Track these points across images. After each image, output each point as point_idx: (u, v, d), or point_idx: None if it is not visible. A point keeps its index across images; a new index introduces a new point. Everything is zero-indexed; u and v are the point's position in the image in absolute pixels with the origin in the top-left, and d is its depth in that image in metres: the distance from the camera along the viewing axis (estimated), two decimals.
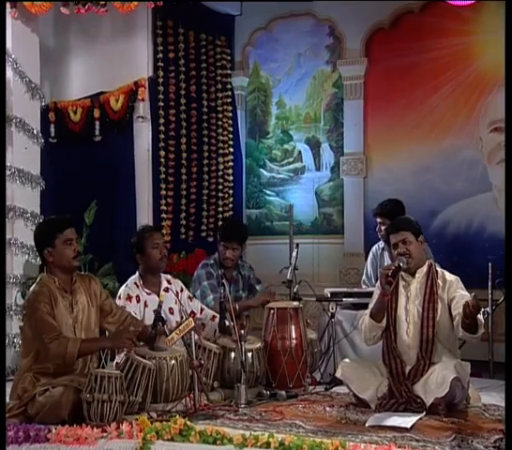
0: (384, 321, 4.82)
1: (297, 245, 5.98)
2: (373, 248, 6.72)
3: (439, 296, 4.76)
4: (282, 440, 3.70)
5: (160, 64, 7.54)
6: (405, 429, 4.12)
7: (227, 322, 5.21)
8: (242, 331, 4.96)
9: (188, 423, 3.92)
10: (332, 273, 7.77)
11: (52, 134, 7.82)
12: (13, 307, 6.42)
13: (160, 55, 7.54)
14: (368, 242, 7.52)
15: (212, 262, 6.04)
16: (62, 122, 7.88)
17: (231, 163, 8.19)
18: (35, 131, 6.85)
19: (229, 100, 8.22)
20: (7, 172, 6.49)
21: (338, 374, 4.86)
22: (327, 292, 6.08)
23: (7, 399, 4.53)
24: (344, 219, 7.89)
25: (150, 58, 7.52)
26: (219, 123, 8.13)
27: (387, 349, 4.80)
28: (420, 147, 7.51)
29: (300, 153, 8.23)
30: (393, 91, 7.69)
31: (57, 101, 7.89)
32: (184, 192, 7.70)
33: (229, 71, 8.28)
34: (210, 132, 8.02)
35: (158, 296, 5.28)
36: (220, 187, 8.09)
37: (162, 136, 7.49)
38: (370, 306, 4.91)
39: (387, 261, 6.54)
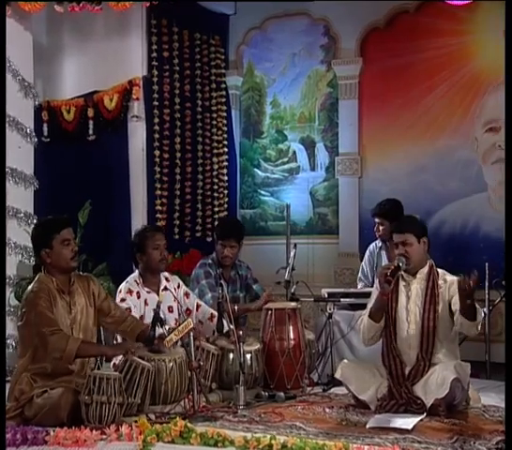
0: (383, 321, 4.80)
1: (295, 245, 5.95)
2: (371, 247, 6.69)
3: (440, 297, 4.74)
4: (285, 442, 3.67)
5: (155, 63, 7.50)
6: (406, 431, 4.10)
7: (225, 323, 5.16)
8: (240, 332, 4.92)
9: (189, 425, 3.89)
10: (327, 273, 7.74)
11: (46, 133, 7.76)
12: (6, 308, 6.36)
13: (155, 54, 7.50)
14: (364, 242, 7.48)
15: (210, 261, 6.01)
16: (55, 121, 7.82)
17: (225, 163, 8.15)
18: (28, 130, 6.80)
19: (223, 100, 8.18)
20: None
21: (337, 375, 4.84)
22: (325, 292, 6.05)
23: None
24: (339, 220, 7.86)
25: (144, 57, 7.48)
26: (214, 122, 8.09)
27: (387, 349, 4.78)
28: (415, 147, 7.48)
29: (295, 153, 8.19)
30: (388, 91, 7.66)
31: (50, 100, 7.84)
32: (178, 192, 7.66)
33: (223, 71, 8.23)
34: (204, 132, 7.98)
35: (158, 295, 5.27)
36: (215, 187, 8.05)
37: (157, 135, 7.45)
38: (369, 306, 4.88)
39: (385, 260, 6.53)
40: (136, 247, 5.47)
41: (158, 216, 7.40)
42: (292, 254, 5.85)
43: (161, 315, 4.82)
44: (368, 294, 5.74)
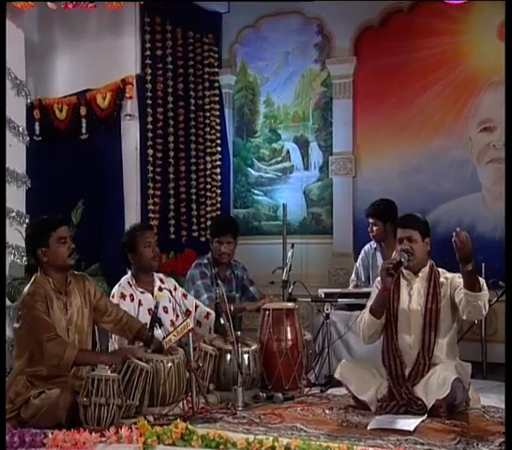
0: (384, 317, 4.77)
1: (293, 245, 5.91)
2: (365, 247, 6.67)
3: (442, 295, 4.72)
4: (288, 444, 3.64)
5: (148, 61, 7.42)
6: (408, 432, 4.08)
7: (222, 322, 5.12)
8: (238, 333, 4.88)
9: (190, 427, 3.84)
10: (321, 273, 7.69)
11: (37, 132, 7.68)
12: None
13: (148, 52, 7.42)
14: (358, 242, 7.46)
15: (205, 261, 5.97)
16: (47, 120, 7.73)
17: (218, 162, 8.08)
18: (20, 129, 6.71)
19: (216, 99, 8.11)
20: None
21: (336, 375, 4.82)
22: (321, 292, 6.03)
23: None
24: (333, 219, 7.80)
25: (138, 55, 7.40)
26: (207, 121, 8.02)
27: (387, 349, 4.75)
28: (409, 147, 7.44)
29: (288, 152, 8.14)
30: (382, 90, 7.61)
31: (42, 98, 7.75)
32: (172, 191, 7.60)
33: (216, 69, 8.17)
34: (197, 131, 7.92)
35: (152, 295, 5.24)
36: (208, 186, 7.99)
37: (150, 134, 7.39)
38: (369, 303, 4.85)
39: (379, 261, 6.51)
40: (127, 246, 5.43)
41: (151, 215, 7.33)
42: (289, 254, 5.81)
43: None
44: (365, 295, 5.72)
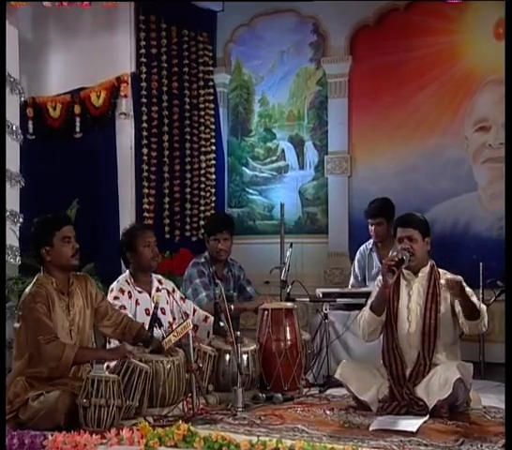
0: (384, 315, 4.74)
1: (291, 244, 5.88)
2: (361, 249, 6.64)
3: (441, 296, 4.69)
4: (292, 446, 3.60)
5: (143, 59, 7.37)
6: (411, 433, 4.05)
7: (222, 324, 5.08)
8: (238, 333, 4.85)
9: (192, 428, 3.80)
10: (316, 273, 7.65)
11: (31, 130, 7.61)
12: None
13: (143, 51, 7.37)
14: (353, 242, 7.44)
15: (203, 260, 5.94)
16: (40, 118, 7.67)
17: (213, 161, 8.02)
18: (14, 127, 6.63)
19: (211, 98, 8.06)
20: None
21: (337, 375, 4.79)
22: (319, 292, 6.00)
23: None
24: (328, 219, 7.77)
25: (133, 53, 7.34)
26: (201, 120, 7.97)
27: (388, 348, 4.72)
28: (405, 146, 7.42)
29: (283, 151, 8.09)
30: (378, 89, 7.59)
31: (36, 97, 7.68)
32: (166, 191, 7.55)
33: (211, 68, 8.12)
34: (192, 130, 7.86)
35: (150, 295, 5.20)
36: (202, 185, 7.94)
37: (145, 133, 7.33)
38: (370, 300, 4.82)
39: (376, 261, 6.50)
40: (126, 245, 5.39)
41: (146, 215, 7.28)
42: (288, 253, 5.78)
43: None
44: (363, 294, 5.72)
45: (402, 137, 7.46)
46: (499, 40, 6.94)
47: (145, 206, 7.29)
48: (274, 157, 8.16)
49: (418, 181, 7.36)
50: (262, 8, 8.10)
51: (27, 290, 4.49)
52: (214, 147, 8.06)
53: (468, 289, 4.74)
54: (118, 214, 7.22)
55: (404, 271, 4.80)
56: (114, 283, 5.30)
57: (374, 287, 4.99)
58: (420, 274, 4.80)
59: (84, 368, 4.53)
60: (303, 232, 7.79)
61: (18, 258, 6.40)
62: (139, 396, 4.31)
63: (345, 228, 7.66)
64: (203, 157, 7.96)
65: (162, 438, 3.75)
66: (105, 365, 4.95)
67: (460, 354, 4.94)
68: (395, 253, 6.13)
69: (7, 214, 6.48)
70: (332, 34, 7.79)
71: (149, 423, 4.13)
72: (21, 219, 6.48)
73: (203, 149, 7.97)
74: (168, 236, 7.51)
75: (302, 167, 8.01)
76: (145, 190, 7.32)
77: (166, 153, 7.56)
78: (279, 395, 4.99)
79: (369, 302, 4.84)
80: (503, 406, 4.47)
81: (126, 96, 7.25)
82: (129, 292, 5.22)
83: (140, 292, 5.26)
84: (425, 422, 4.24)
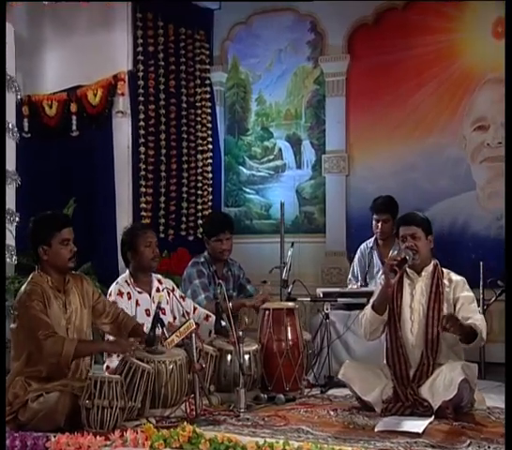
0: (386, 314, 4.71)
1: (292, 244, 5.84)
2: (361, 247, 6.61)
3: (444, 296, 4.67)
4: (299, 447, 3.56)
5: (140, 57, 7.33)
6: (416, 434, 4.01)
7: (224, 323, 5.04)
8: (240, 333, 4.80)
9: (198, 430, 3.75)
10: (314, 272, 7.63)
11: (26, 129, 7.55)
12: None
13: (140, 49, 7.33)
14: (351, 241, 7.42)
15: (202, 260, 5.89)
16: (36, 116, 7.62)
17: (210, 160, 7.97)
18: (10, 125, 6.57)
19: (207, 96, 8.01)
20: None
21: (340, 375, 4.75)
22: (320, 291, 5.96)
23: None
24: (326, 218, 7.74)
25: (130, 51, 7.30)
26: (198, 119, 7.92)
27: (391, 348, 4.69)
28: (403, 145, 7.40)
29: (281, 150, 8.06)
30: (376, 88, 7.56)
31: (32, 95, 7.63)
32: (163, 190, 7.50)
33: (207, 66, 8.07)
34: (189, 128, 7.81)
35: (150, 295, 5.16)
36: (199, 184, 7.89)
37: (142, 132, 7.29)
38: (372, 299, 4.79)
39: (376, 260, 6.48)
40: (127, 245, 5.33)
41: (143, 214, 7.23)
42: (289, 253, 5.74)
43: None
44: (364, 294, 5.69)
45: (401, 136, 7.44)
46: (497, 39, 6.93)
47: (142, 205, 7.25)
48: (271, 156, 8.12)
49: (417, 180, 7.34)
50: (259, 7, 8.06)
51: (22, 288, 4.42)
52: (211, 146, 8.02)
53: (469, 293, 4.73)
54: (115, 213, 7.18)
55: (408, 270, 4.77)
56: (113, 285, 5.23)
57: (377, 285, 4.95)
58: (423, 273, 4.77)
59: (84, 369, 4.49)
60: (300, 232, 7.76)
61: (14, 257, 6.33)
62: (141, 396, 4.26)
63: (343, 227, 7.63)
64: (199, 156, 7.91)
65: (167, 439, 3.70)
66: (105, 365, 4.96)
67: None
68: (395, 252, 6.16)
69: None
70: (330, 32, 7.75)
71: (151, 424, 4.08)
72: (17, 218, 6.42)
73: (199, 148, 7.93)
74: (164, 235, 7.45)
75: (299, 166, 7.97)
76: (142, 189, 7.27)
77: (163, 151, 7.52)
78: (281, 395, 4.95)
79: (371, 301, 4.80)
80: None
81: (123, 94, 7.23)
82: (129, 294, 5.17)
83: (140, 292, 5.21)
84: (430, 423, 4.20)
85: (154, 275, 5.36)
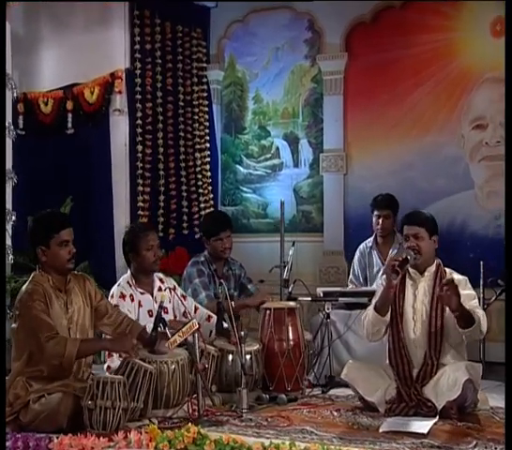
0: (388, 315, 4.68)
1: (294, 243, 5.81)
2: (361, 247, 6.58)
3: None
4: (306, 448, 3.53)
5: (138, 55, 7.28)
6: (422, 435, 3.99)
7: (225, 324, 5.00)
8: (242, 333, 4.77)
9: (202, 431, 3.71)
10: (312, 272, 7.59)
11: (21, 126, 7.48)
12: None
13: (137, 46, 7.28)
14: (349, 240, 7.40)
15: (202, 259, 5.84)
16: (31, 114, 7.57)
17: (208, 159, 7.91)
18: (6, 123, 6.53)
19: (205, 94, 7.96)
20: None
21: (342, 376, 4.73)
22: (320, 291, 5.93)
23: None
24: (324, 217, 7.70)
25: (127, 49, 7.25)
26: (196, 117, 7.86)
27: (393, 348, 4.66)
28: (401, 144, 7.36)
29: (278, 149, 8.01)
30: (374, 87, 7.52)
31: (27, 92, 7.57)
32: (162, 188, 7.45)
33: (204, 64, 8.02)
34: (187, 127, 7.76)
35: (152, 296, 5.13)
36: (199, 183, 7.82)
37: (140, 130, 7.24)
38: (374, 300, 4.76)
39: (376, 260, 6.45)
40: (128, 246, 5.28)
41: (141, 213, 7.17)
42: (290, 252, 5.70)
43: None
44: (365, 293, 5.66)
45: (398, 135, 7.40)
46: (496, 38, 6.91)
47: (140, 204, 7.19)
48: (268, 155, 8.08)
49: (414, 179, 7.31)
50: (256, 5, 8.02)
51: (23, 288, 4.37)
52: (208, 144, 7.96)
53: (470, 291, 4.71)
54: (112, 212, 7.13)
55: (410, 270, 4.74)
56: (115, 287, 5.19)
57: (378, 286, 4.92)
58: (426, 273, 4.75)
59: (84, 369, 4.45)
60: (297, 231, 7.72)
61: (10, 256, 6.28)
62: (143, 397, 4.22)
63: (340, 226, 7.60)
64: (198, 155, 7.85)
65: (172, 441, 3.66)
66: (106, 365, 4.92)
67: None
68: (395, 251, 6.14)
69: None
70: (327, 31, 7.72)
71: (160, 426, 4.04)
72: (13, 217, 6.37)
73: (197, 146, 7.86)
74: (162, 235, 7.38)
75: (297, 165, 7.93)
76: (140, 188, 7.22)
77: (161, 150, 7.46)
78: (283, 395, 4.92)
79: (373, 302, 4.77)
80: None
81: (120, 92, 7.18)
82: (131, 296, 5.12)
83: (142, 293, 5.17)
84: (435, 423, 4.18)
85: (155, 274, 5.32)
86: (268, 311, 5.20)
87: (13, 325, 4.38)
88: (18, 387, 4.25)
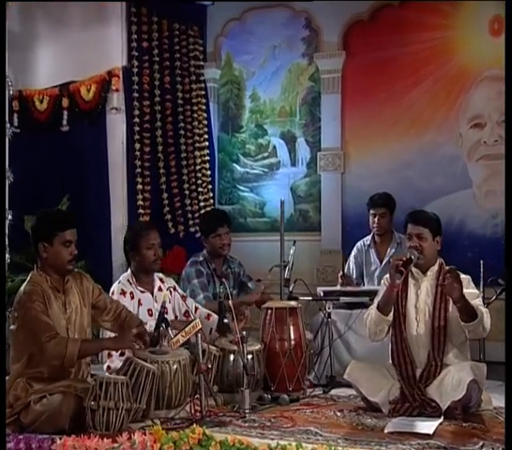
0: (391, 314, 4.65)
1: (294, 242, 5.77)
2: (358, 244, 6.56)
3: None
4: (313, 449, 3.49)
5: (135, 53, 7.22)
6: (427, 436, 3.96)
7: (226, 321, 4.97)
8: (244, 333, 4.73)
9: (207, 432, 3.67)
10: (309, 271, 7.55)
11: (16, 124, 7.41)
12: None
13: (135, 44, 7.23)
14: (346, 239, 7.37)
15: (201, 259, 5.81)
16: (26, 111, 7.53)
17: (207, 157, 7.85)
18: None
19: (203, 93, 7.90)
20: None
21: (345, 376, 4.70)
22: (320, 290, 5.90)
23: None
24: (321, 216, 7.67)
25: (124, 47, 7.20)
26: (194, 115, 7.79)
27: (396, 348, 4.64)
28: (399, 143, 7.33)
29: (275, 148, 7.97)
30: (372, 85, 7.49)
31: (23, 90, 7.52)
32: (162, 187, 7.39)
33: (201, 62, 7.96)
34: (186, 125, 7.70)
35: (152, 295, 5.10)
36: (199, 181, 7.75)
37: (137, 128, 7.18)
38: (377, 299, 4.74)
39: (374, 258, 6.44)
40: (129, 245, 5.26)
41: (141, 211, 7.12)
42: (291, 251, 5.67)
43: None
44: (365, 293, 5.64)
45: (396, 133, 7.37)
46: (494, 36, 6.89)
47: (140, 203, 7.13)
48: (265, 154, 8.04)
49: (412, 178, 7.28)
50: (253, 3, 7.97)
51: (21, 289, 4.32)
52: (207, 143, 7.89)
53: (473, 290, 4.69)
54: (109, 210, 7.09)
55: (413, 270, 4.72)
56: (115, 284, 5.17)
57: (381, 285, 4.90)
58: (429, 273, 4.73)
59: (84, 369, 4.40)
60: (295, 230, 7.67)
61: (7, 255, 6.23)
62: (146, 397, 4.18)
63: (338, 225, 7.56)
64: (197, 153, 7.78)
65: (177, 442, 3.60)
66: (106, 365, 4.88)
67: None
68: (393, 250, 6.12)
69: None
70: (325, 29, 7.68)
71: (157, 425, 4.00)
72: (9, 216, 6.32)
73: (197, 145, 7.79)
74: (161, 234, 7.32)
75: (294, 164, 7.90)
76: (139, 186, 7.16)
77: (160, 148, 7.40)
78: (285, 396, 4.89)
79: (376, 301, 4.75)
80: None
81: (117, 90, 7.14)
82: (131, 293, 5.10)
83: (142, 291, 5.15)
84: (440, 424, 4.15)
85: (156, 274, 5.29)
86: (269, 311, 5.16)
87: (11, 327, 4.32)
88: (18, 388, 4.20)
